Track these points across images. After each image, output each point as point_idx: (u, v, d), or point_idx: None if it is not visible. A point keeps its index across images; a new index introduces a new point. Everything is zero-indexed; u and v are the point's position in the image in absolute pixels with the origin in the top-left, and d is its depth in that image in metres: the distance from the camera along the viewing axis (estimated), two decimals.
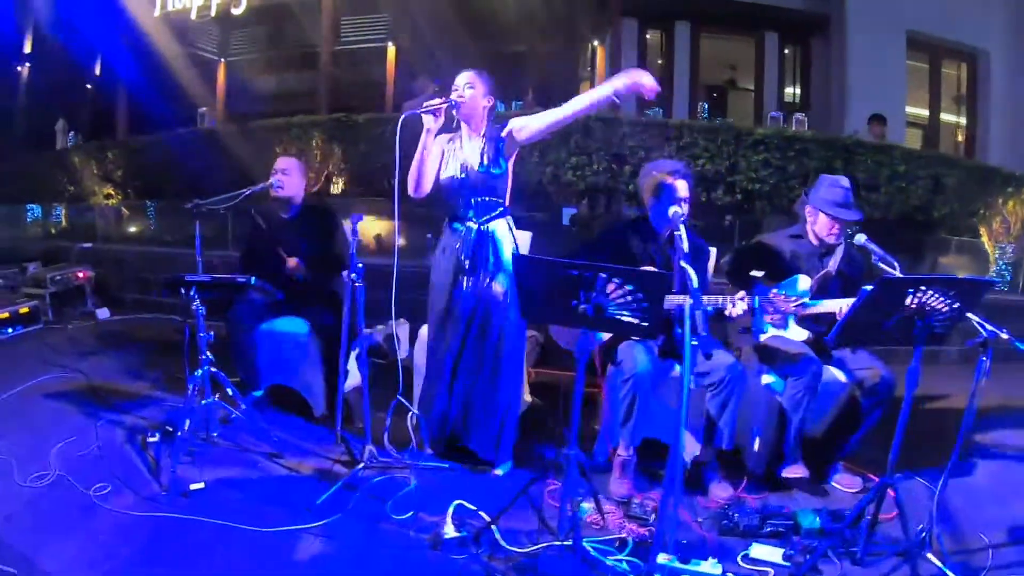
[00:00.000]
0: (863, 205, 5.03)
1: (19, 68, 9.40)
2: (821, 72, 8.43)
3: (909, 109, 8.30)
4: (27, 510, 2.46)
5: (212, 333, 2.94)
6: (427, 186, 2.93)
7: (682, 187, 2.94)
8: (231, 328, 3.39)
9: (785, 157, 5.29)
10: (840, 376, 3.10)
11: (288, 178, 3.47)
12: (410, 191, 2.92)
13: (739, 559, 2.35)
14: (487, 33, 7.42)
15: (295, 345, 3.41)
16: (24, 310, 4.88)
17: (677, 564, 2.10)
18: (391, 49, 8.22)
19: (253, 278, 2.92)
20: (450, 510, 2.44)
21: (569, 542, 2.32)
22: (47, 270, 5.48)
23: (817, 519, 2.55)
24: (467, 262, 2.85)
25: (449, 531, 2.37)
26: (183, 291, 2.83)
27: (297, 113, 6.38)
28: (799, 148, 5.33)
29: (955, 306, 2.15)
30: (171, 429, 2.98)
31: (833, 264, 3.12)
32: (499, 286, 2.87)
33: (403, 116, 2.72)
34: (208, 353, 2.92)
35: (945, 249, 5.98)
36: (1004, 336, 2.26)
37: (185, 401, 2.88)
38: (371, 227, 5.77)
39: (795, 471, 2.92)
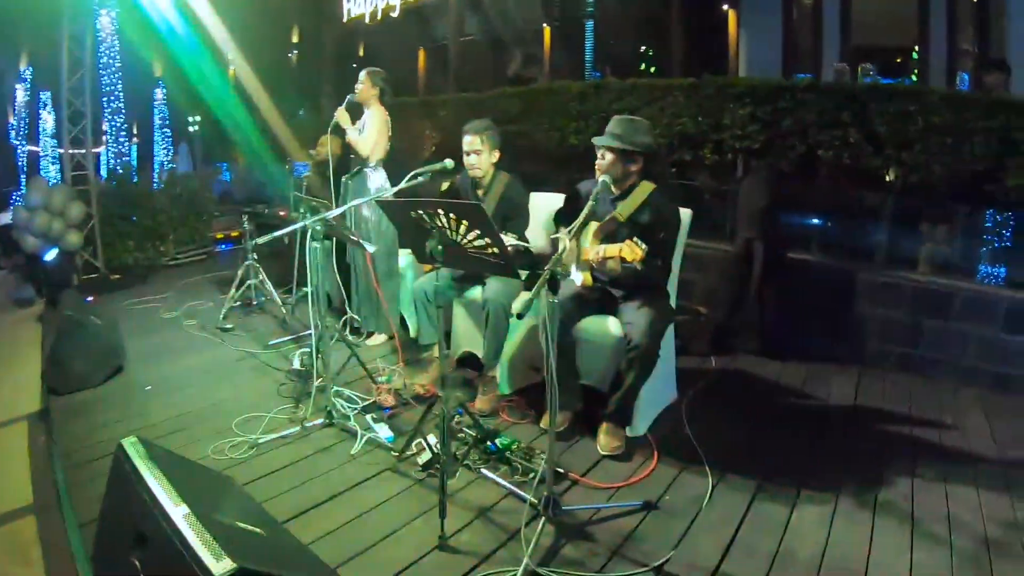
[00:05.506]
0: (889, 164, 4.53)
1: None
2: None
3: None
4: None
5: None
6: None
7: (463, 141, 3.58)
8: None
9: (776, 110, 4.81)
10: (613, 329, 3.30)
11: None
12: None
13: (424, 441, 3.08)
14: None
15: None
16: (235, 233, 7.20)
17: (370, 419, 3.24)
18: None
19: None
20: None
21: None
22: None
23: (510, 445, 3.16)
24: None
25: None
26: None
27: None
28: (793, 100, 4.76)
29: (471, 229, 2.43)
30: None
31: (625, 210, 3.22)
32: None
33: None
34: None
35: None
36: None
37: None
38: None
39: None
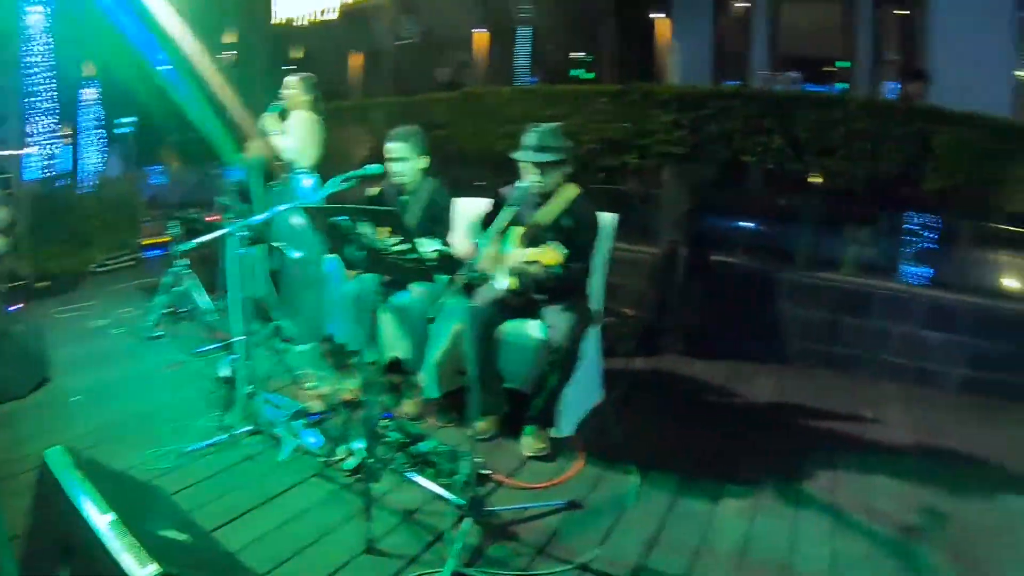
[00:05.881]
0: (813, 171, 4.71)
1: None
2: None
3: None
4: None
5: None
6: None
7: (387, 148, 3.59)
8: None
9: (701, 117, 4.96)
10: (535, 332, 3.33)
11: None
12: None
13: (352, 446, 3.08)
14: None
15: None
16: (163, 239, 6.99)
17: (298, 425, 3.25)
18: None
19: None
20: None
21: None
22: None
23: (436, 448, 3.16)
24: None
25: None
26: None
27: None
28: (717, 106, 4.93)
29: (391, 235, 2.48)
30: None
31: (548, 215, 3.29)
32: None
33: None
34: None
35: (947, 234, 4.79)
36: None
37: None
38: None
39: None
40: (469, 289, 2.41)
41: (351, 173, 3.34)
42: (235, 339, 4.41)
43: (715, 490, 3.05)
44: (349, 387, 3.84)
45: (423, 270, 2.54)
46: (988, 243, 4.80)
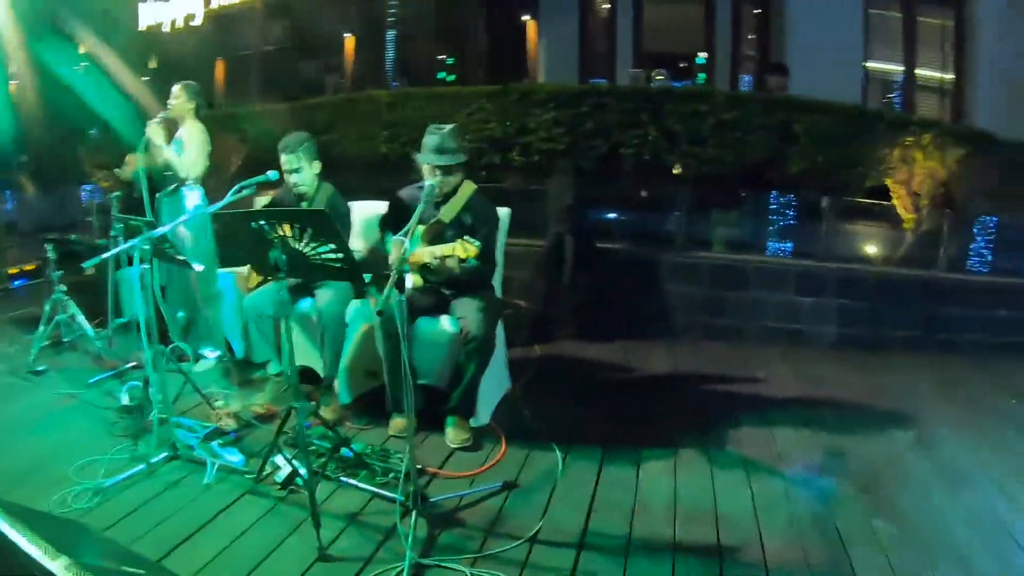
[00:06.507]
0: (686, 160, 5.12)
1: None
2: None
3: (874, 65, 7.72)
4: None
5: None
6: None
7: (281, 161, 3.58)
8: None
9: (578, 114, 5.23)
10: (448, 326, 3.41)
11: None
12: None
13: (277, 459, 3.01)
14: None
15: None
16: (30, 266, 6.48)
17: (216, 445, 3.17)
18: None
19: None
20: None
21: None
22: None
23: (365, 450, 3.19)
24: None
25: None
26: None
27: None
28: (594, 103, 5.21)
29: (316, 237, 2.47)
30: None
31: (449, 213, 3.38)
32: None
33: None
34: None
35: (809, 210, 5.47)
36: None
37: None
38: None
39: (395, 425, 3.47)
40: (398, 284, 2.45)
41: (248, 181, 3.28)
42: (129, 365, 4.24)
43: (635, 456, 3.29)
44: (259, 401, 3.76)
45: (347, 271, 2.56)
46: (846, 216, 5.47)
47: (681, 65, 8.18)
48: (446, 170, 3.36)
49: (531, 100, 5.39)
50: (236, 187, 3.22)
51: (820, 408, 3.93)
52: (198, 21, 8.70)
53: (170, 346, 4.08)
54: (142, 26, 9.25)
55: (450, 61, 9.19)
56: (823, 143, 5.05)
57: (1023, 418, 3.95)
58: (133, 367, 4.22)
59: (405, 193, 3.60)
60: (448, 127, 3.38)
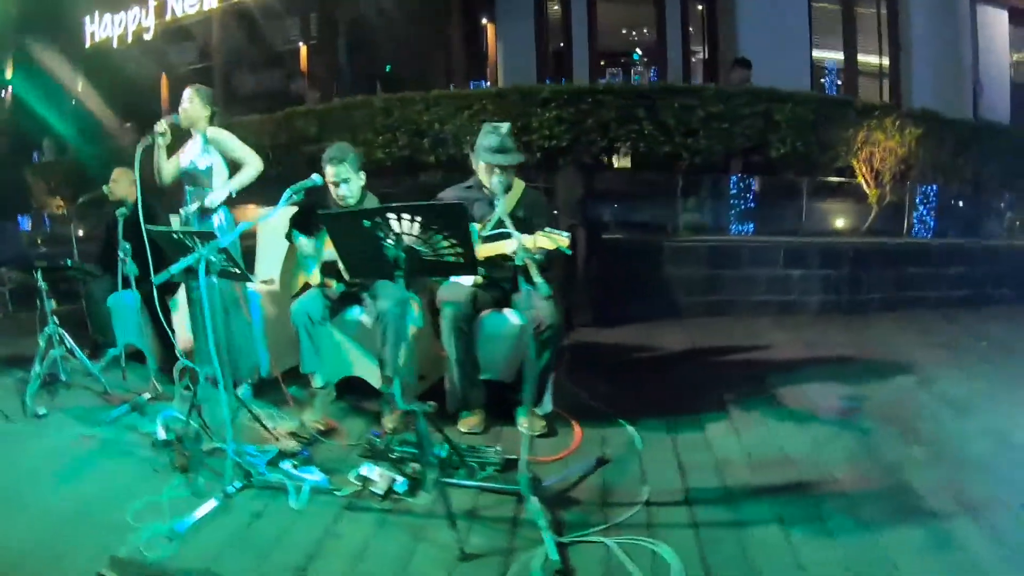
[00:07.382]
0: (678, 150, 5.48)
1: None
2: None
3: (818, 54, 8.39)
4: None
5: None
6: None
7: (327, 173, 3.52)
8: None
9: (579, 112, 5.54)
10: (514, 319, 3.50)
11: None
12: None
13: (350, 475, 2.89)
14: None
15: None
16: None
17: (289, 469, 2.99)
18: None
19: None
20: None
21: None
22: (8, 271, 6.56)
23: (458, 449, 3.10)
24: None
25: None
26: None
27: None
28: (593, 101, 5.54)
29: (439, 232, 2.47)
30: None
31: (505, 209, 3.28)
32: None
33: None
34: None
35: (790, 191, 6.10)
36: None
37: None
38: None
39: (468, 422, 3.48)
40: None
41: (297, 185, 3.23)
42: (144, 396, 4.01)
43: (695, 420, 3.58)
44: (314, 417, 3.66)
45: (464, 265, 2.61)
46: (821, 195, 6.08)
47: (636, 64, 8.62)
48: (506, 169, 3.43)
49: (532, 100, 5.64)
50: (287, 192, 3.17)
51: (825, 365, 4.46)
52: (148, 35, 8.25)
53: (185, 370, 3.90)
54: (88, 42, 8.67)
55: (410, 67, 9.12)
56: (799, 129, 5.60)
57: (995, 357, 4.67)
58: (151, 400, 4.04)
59: (451, 194, 3.62)
60: (505, 126, 3.44)
